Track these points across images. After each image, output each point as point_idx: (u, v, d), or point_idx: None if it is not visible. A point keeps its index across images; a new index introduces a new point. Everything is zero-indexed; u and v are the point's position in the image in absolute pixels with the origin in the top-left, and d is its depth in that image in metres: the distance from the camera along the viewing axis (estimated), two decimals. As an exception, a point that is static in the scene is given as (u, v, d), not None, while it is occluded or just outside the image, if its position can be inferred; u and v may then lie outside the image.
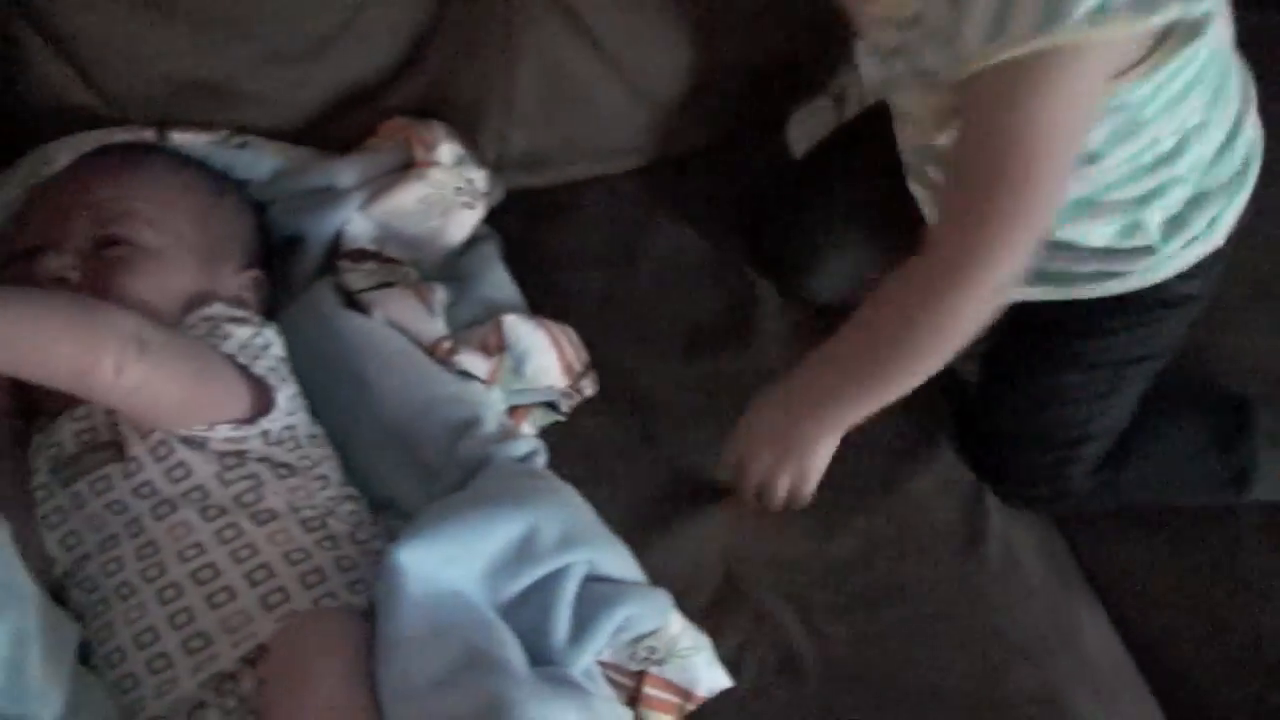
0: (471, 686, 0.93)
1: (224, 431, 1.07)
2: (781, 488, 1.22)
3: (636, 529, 1.22)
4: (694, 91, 1.45)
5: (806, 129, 1.54)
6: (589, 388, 1.27)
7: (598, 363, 1.31)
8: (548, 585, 1.05)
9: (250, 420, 1.08)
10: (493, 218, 1.38)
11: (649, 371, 1.35)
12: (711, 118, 1.48)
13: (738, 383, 1.34)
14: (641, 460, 1.30)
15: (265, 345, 1.12)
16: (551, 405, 1.28)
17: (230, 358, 1.08)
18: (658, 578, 1.15)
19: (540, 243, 1.41)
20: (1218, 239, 1.25)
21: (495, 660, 0.96)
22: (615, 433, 1.30)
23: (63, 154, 1.23)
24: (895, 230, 1.30)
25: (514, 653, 0.98)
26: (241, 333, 1.11)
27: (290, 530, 1.06)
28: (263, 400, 1.09)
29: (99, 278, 1.12)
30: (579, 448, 1.27)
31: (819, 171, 1.45)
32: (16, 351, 0.96)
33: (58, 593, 1.07)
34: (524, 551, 1.04)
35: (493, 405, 1.19)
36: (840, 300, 1.37)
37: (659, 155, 1.49)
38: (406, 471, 1.16)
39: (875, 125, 1.34)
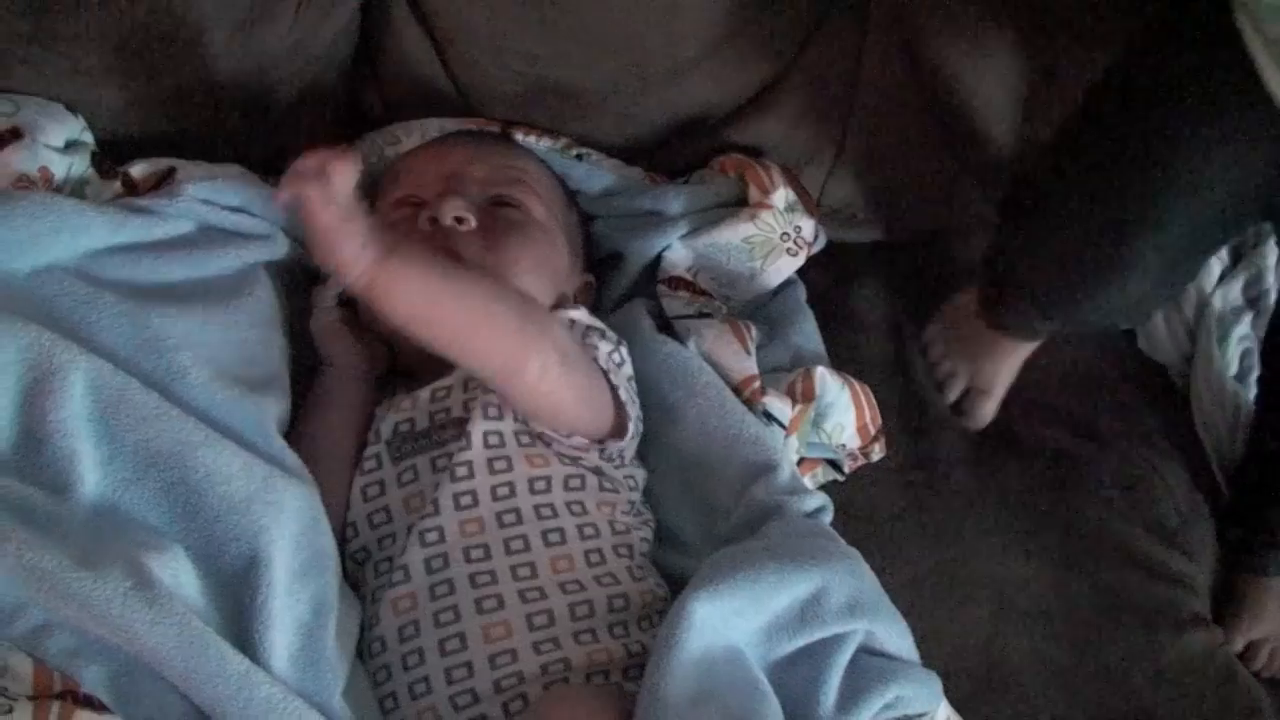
0: None
1: (576, 440, 1.08)
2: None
3: (900, 605, 1.21)
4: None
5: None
6: (877, 453, 1.25)
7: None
8: (822, 650, 1.03)
9: (602, 441, 1.09)
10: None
11: (928, 444, 1.34)
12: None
13: (1021, 466, 1.34)
14: (913, 535, 1.29)
15: (620, 363, 1.12)
16: (834, 464, 1.27)
17: (605, 374, 1.09)
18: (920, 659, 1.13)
19: (840, 299, 1.40)
20: None
21: None
22: (891, 503, 1.29)
23: (410, 136, 1.25)
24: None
25: None
26: (604, 346, 1.11)
27: (573, 558, 1.06)
28: (619, 422, 1.10)
29: (493, 233, 1.13)
30: (854, 512, 1.24)
31: None
32: (466, 335, 0.99)
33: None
34: (808, 612, 1.02)
35: (789, 454, 1.17)
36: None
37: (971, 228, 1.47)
38: (693, 504, 1.15)
39: None
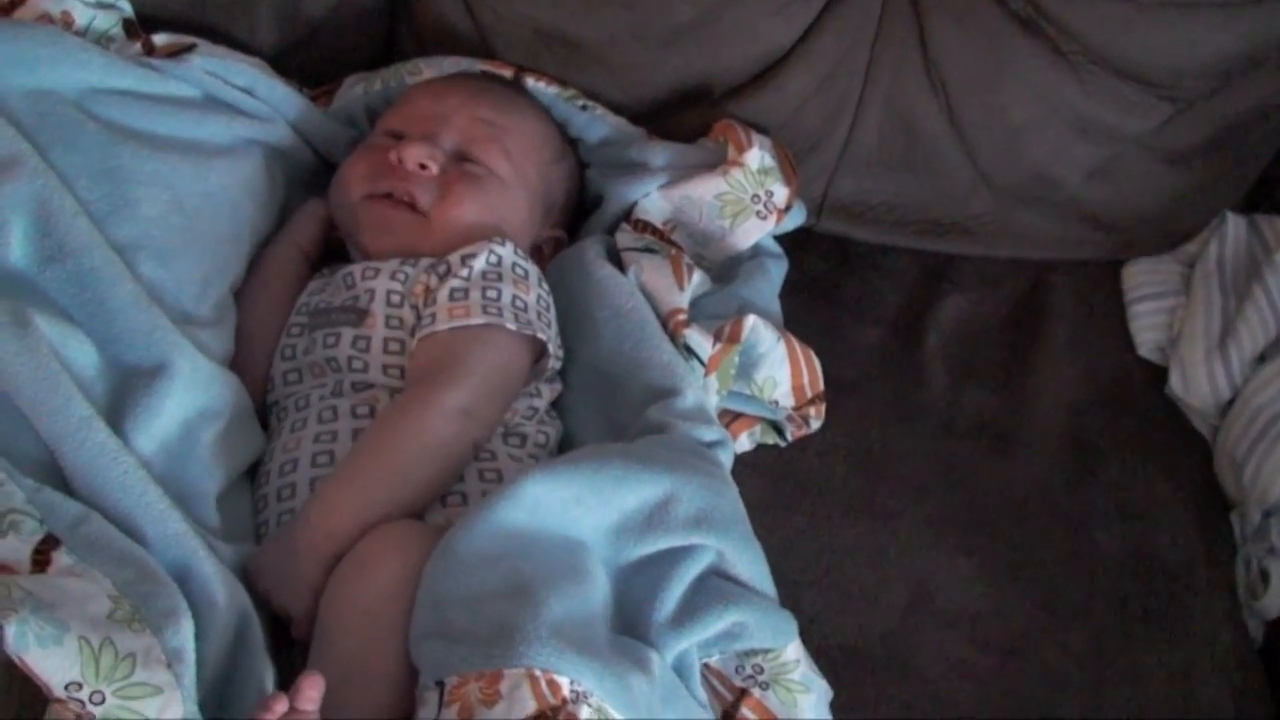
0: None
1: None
2: None
3: (813, 573, 1.20)
4: (1038, 194, 1.42)
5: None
6: (815, 420, 1.25)
7: (846, 421, 1.30)
8: (669, 560, 1.04)
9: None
10: (799, 251, 1.39)
11: (897, 434, 1.32)
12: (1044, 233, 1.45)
13: (975, 479, 1.30)
14: (846, 508, 1.26)
15: (547, 306, 1.20)
16: (778, 429, 1.27)
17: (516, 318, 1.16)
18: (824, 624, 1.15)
19: (834, 287, 1.41)
20: None
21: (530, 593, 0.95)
22: (833, 474, 1.28)
23: (430, 70, 1.36)
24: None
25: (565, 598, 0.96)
26: (531, 295, 1.18)
27: None
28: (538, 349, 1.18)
29: (451, 181, 1.23)
30: (789, 473, 1.26)
31: None
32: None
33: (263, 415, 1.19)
34: (655, 518, 1.04)
35: (699, 387, 1.18)
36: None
37: (987, 248, 1.47)
38: (598, 419, 1.19)
39: None
